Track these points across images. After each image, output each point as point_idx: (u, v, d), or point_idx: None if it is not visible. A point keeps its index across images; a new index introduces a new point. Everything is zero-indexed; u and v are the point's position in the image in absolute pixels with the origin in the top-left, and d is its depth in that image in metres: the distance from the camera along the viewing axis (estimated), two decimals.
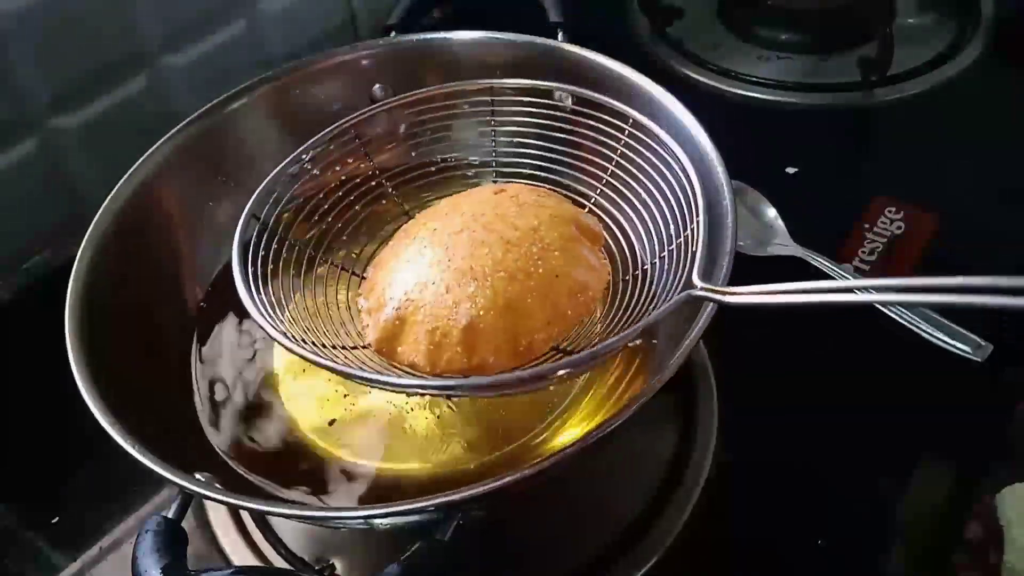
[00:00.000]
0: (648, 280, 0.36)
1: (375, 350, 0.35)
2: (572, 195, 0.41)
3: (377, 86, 0.46)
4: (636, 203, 0.38)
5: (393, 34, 0.50)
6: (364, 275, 0.39)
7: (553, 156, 0.41)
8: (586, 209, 0.40)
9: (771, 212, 0.51)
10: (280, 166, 0.39)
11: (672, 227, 0.36)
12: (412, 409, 0.38)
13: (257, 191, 0.38)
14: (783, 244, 0.50)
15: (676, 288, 0.32)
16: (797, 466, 0.41)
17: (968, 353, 0.43)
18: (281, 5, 0.59)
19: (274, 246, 0.37)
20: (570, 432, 0.36)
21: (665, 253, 0.36)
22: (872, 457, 0.41)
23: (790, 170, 0.56)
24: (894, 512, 0.39)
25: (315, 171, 0.40)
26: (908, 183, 0.54)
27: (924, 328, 0.44)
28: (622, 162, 0.39)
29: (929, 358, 0.44)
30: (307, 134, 0.41)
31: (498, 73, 0.42)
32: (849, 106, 0.60)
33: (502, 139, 0.43)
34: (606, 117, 0.39)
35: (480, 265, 0.34)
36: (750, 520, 0.39)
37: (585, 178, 0.41)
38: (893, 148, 0.58)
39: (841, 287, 0.28)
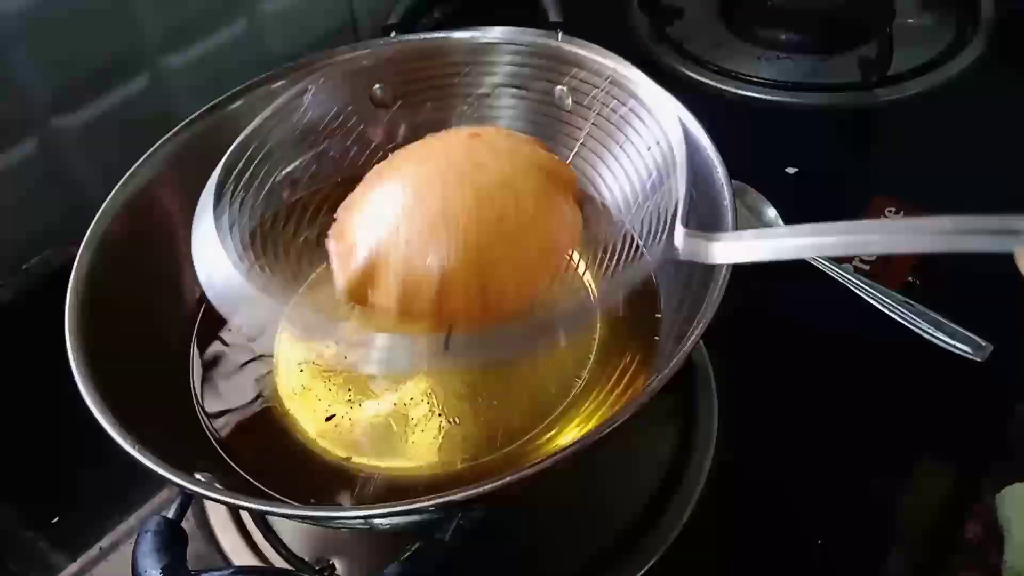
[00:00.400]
0: (631, 239, 0.36)
1: (345, 292, 0.34)
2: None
3: (377, 86, 0.46)
4: (615, 158, 0.38)
5: (393, 34, 0.50)
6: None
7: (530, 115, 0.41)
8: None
9: (771, 212, 0.51)
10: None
11: (651, 183, 0.36)
12: (413, 409, 0.38)
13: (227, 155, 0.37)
14: None
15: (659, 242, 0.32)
16: (797, 466, 0.41)
17: (968, 353, 0.43)
18: (281, 5, 0.59)
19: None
20: (570, 432, 0.36)
21: (649, 204, 0.36)
22: (872, 457, 0.41)
23: (790, 170, 0.56)
24: (894, 512, 0.39)
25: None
26: (908, 183, 0.54)
27: (924, 328, 0.44)
28: (601, 117, 0.39)
29: (929, 358, 0.44)
30: (307, 134, 0.41)
31: (498, 73, 0.42)
32: (849, 106, 0.60)
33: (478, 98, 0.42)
34: (584, 73, 0.39)
35: (453, 214, 0.33)
36: (750, 520, 0.39)
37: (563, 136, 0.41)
38: (893, 148, 0.58)
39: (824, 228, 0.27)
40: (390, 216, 0.34)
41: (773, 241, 0.27)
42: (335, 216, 0.38)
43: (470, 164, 0.35)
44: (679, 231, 0.30)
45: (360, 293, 0.34)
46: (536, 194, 0.34)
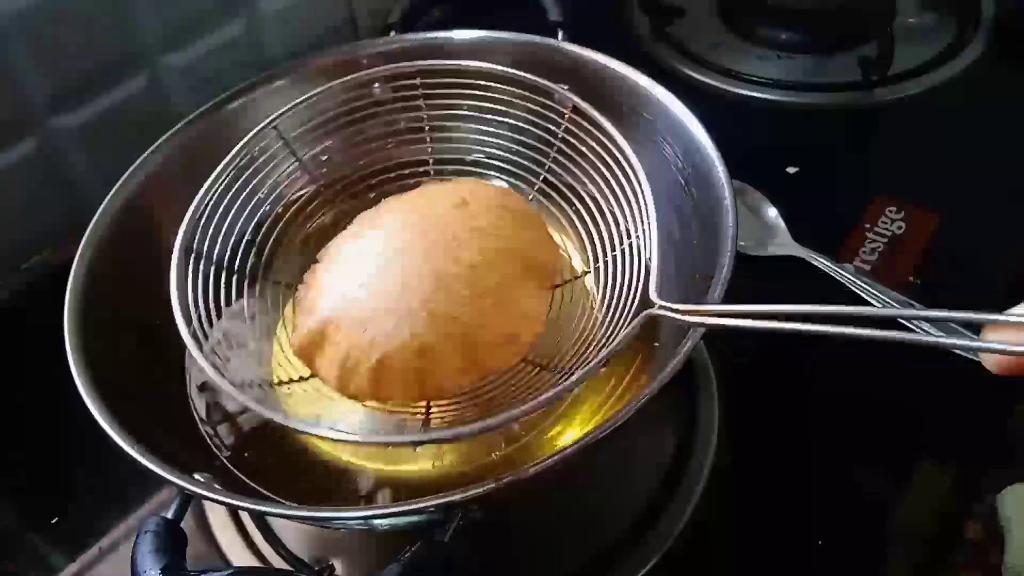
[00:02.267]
0: (601, 280, 0.36)
1: (294, 349, 0.35)
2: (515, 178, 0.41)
3: (377, 86, 0.46)
4: (582, 195, 0.38)
5: (393, 33, 0.50)
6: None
7: (491, 142, 0.41)
8: (530, 197, 0.40)
9: (771, 212, 0.51)
10: (201, 193, 0.38)
11: (623, 225, 0.35)
12: (414, 409, 0.38)
13: (184, 224, 0.37)
14: (783, 244, 0.50)
15: (632, 302, 0.32)
16: (797, 466, 0.41)
17: (968, 353, 0.43)
18: (281, 4, 0.59)
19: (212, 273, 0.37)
20: (570, 432, 0.36)
21: (617, 252, 0.36)
22: (872, 457, 0.41)
23: (790, 170, 0.56)
24: (894, 512, 0.39)
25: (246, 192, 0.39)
26: (909, 183, 0.54)
27: (924, 328, 0.44)
28: (564, 148, 0.39)
29: (929, 358, 0.44)
30: (307, 134, 0.41)
31: (496, 74, 0.42)
32: (850, 106, 0.60)
33: (435, 123, 0.42)
34: (543, 100, 0.39)
35: (407, 299, 0.33)
36: (750, 520, 0.39)
37: (527, 164, 0.41)
38: (894, 148, 0.58)
39: (805, 312, 0.25)
40: (349, 287, 0.35)
41: (742, 318, 0.26)
42: (317, 257, 0.38)
43: (442, 241, 0.35)
44: (654, 300, 0.29)
45: (308, 355, 0.35)
46: (501, 286, 0.34)
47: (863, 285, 0.47)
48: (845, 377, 0.44)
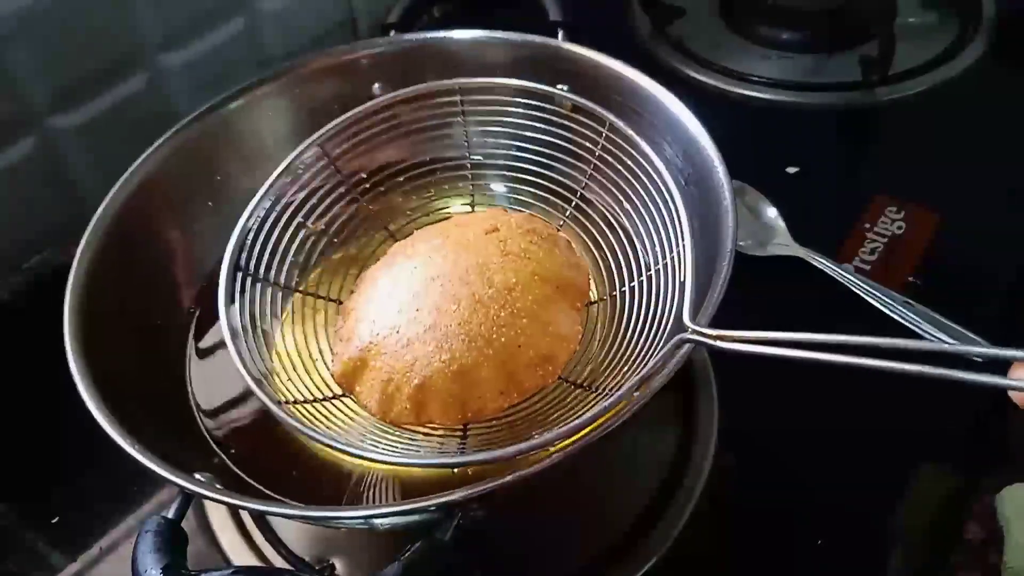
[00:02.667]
0: (634, 299, 0.36)
1: (335, 376, 0.36)
2: (549, 202, 0.41)
3: (377, 85, 0.46)
4: (618, 214, 0.38)
5: (393, 33, 0.50)
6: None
7: (529, 157, 0.41)
8: (561, 224, 0.41)
9: (771, 212, 0.51)
10: (251, 207, 0.38)
11: (657, 246, 0.36)
12: None
13: (233, 238, 0.38)
14: (783, 244, 0.50)
15: (665, 323, 0.33)
16: (797, 466, 0.41)
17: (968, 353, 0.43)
18: (280, 4, 0.59)
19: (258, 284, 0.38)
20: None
21: (652, 272, 0.36)
22: (872, 457, 0.41)
23: (790, 170, 0.56)
24: (894, 512, 0.39)
25: (290, 200, 0.40)
26: (909, 183, 0.54)
27: (924, 328, 0.44)
28: (601, 166, 0.39)
29: (929, 359, 0.44)
30: (307, 134, 0.41)
31: (498, 72, 0.42)
32: (850, 106, 0.60)
33: (475, 139, 0.43)
34: (582, 119, 0.39)
35: (445, 323, 0.34)
36: (750, 520, 0.39)
37: (564, 180, 0.41)
38: (894, 148, 0.58)
39: (838, 342, 0.27)
40: (387, 314, 0.35)
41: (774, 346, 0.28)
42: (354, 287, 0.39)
43: (475, 266, 0.35)
44: (688, 324, 0.30)
45: (348, 382, 0.36)
46: (535, 307, 0.35)
47: (863, 285, 0.47)
48: (845, 377, 0.44)
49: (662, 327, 0.33)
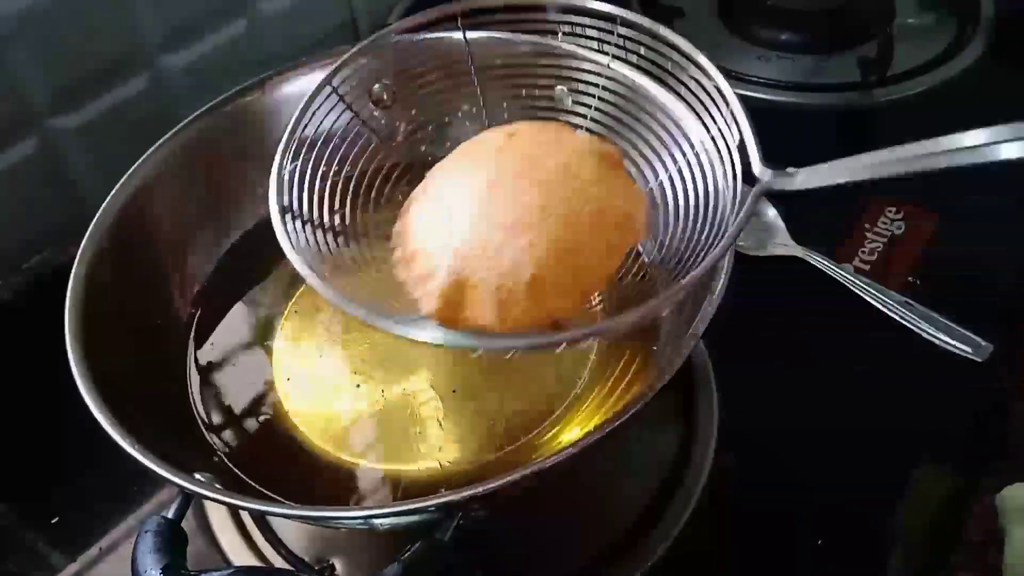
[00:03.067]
0: (681, 190, 0.36)
1: (437, 320, 0.33)
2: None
3: (377, 85, 0.46)
4: (644, 110, 0.38)
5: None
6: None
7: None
8: (583, 128, 0.39)
9: (771, 212, 0.51)
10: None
11: (694, 130, 0.35)
12: (413, 409, 0.38)
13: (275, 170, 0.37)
14: (783, 244, 0.50)
15: (733, 188, 0.32)
16: (797, 466, 0.41)
17: (968, 353, 0.43)
18: (281, 5, 0.59)
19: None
20: (570, 432, 0.36)
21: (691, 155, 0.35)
22: (872, 457, 0.41)
23: (790, 170, 0.55)
24: (894, 512, 0.39)
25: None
26: (908, 183, 0.53)
27: (925, 328, 0.44)
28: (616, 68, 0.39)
29: (929, 358, 0.44)
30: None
31: (498, 72, 0.42)
32: (849, 106, 0.60)
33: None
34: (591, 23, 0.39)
35: (527, 214, 0.33)
36: (750, 520, 0.39)
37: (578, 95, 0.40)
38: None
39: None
40: (462, 232, 0.33)
41: (846, 165, 0.31)
42: (389, 240, 0.37)
43: (525, 162, 0.35)
44: (761, 174, 0.31)
45: (452, 314, 0.33)
46: (596, 173, 0.34)
47: (862, 285, 0.47)
48: (845, 377, 0.44)
49: (731, 192, 0.33)
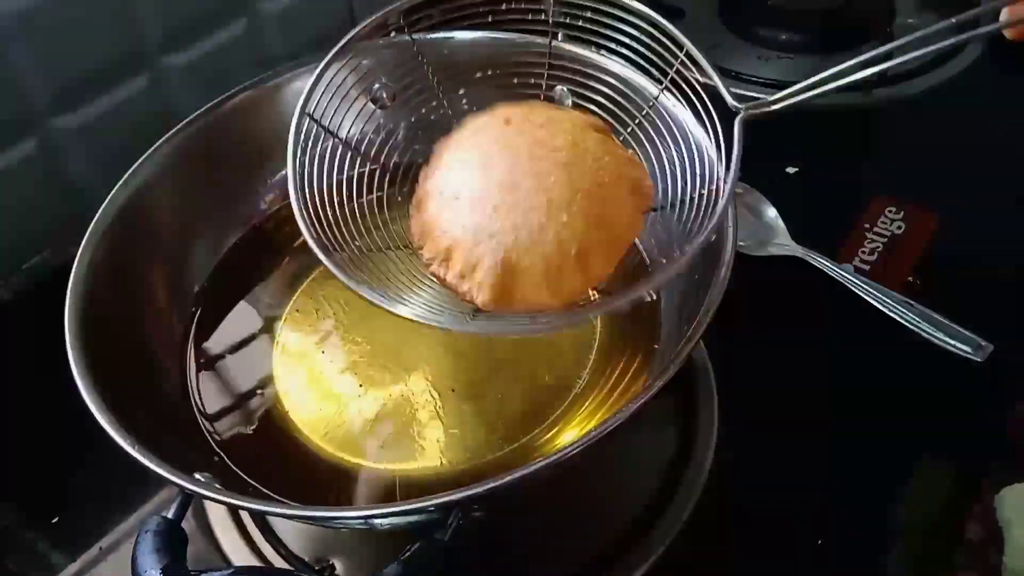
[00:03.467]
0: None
1: (492, 306, 0.34)
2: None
3: (377, 85, 0.46)
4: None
5: (393, 34, 0.50)
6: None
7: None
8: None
9: (771, 212, 0.51)
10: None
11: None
12: (413, 409, 0.38)
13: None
14: (783, 244, 0.50)
15: (711, 126, 0.35)
16: (796, 466, 0.41)
17: (968, 353, 0.43)
18: (281, 5, 0.59)
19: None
20: (570, 432, 0.37)
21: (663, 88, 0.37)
22: (872, 457, 0.41)
23: (790, 170, 0.56)
24: (894, 512, 0.39)
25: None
26: (908, 183, 0.54)
27: (925, 328, 0.44)
28: None
29: (929, 358, 0.44)
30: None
31: (498, 71, 0.42)
32: (849, 106, 0.60)
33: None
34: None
35: (557, 193, 0.34)
36: (750, 520, 0.39)
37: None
38: (893, 148, 0.58)
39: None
40: (496, 221, 0.34)
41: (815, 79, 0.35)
42: (413, 239, 0.37)
43: (538, 144, 0.36)
44: (736, 106, 0.33)
45: (506, 300, 0.34)
46: (600, 146, 0.36)
47: (862, 285, 0.47)
48: (844, 377, 0.44)
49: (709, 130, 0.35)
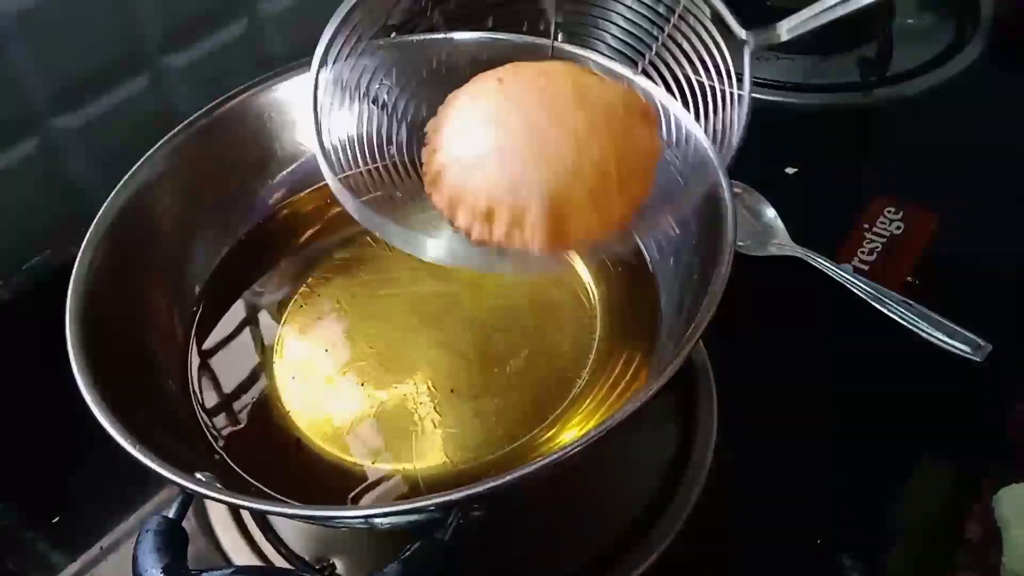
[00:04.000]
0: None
1: (549, 248, 0.35)
2: None
3: (377, 85, 0.46)
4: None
5: (394, 34, 0.50)
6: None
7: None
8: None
9: (771, 212, 0.51)
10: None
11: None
12: (413, 409, 0.38)
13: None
14: (783, 244, 0.50)
15: (719, 60, 0.36)
16: (796, 466, 0.41)
17: (968, 353, 0.43)
18: (281, 5, 0.59)
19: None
20: (570, 432, 0.37)
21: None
22: (872, 457, 0.41)
23: (790, 170, 0.56)
24: (894, 512, 0.39)
25: None
26: (908, 183, 0.54)
27: (924, 328, 0.44)
28: None
29: (928, 358, 0.44)
30: (308, 133, 0.41)
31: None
32: (849, 106, 0.60)
33: None
34: None
35: (583, 134, 0.34)
36: (750, 520, 0.39)
37: None
38: (893, 148, 0.58)
39: None
40: (534, 168, 0.34)
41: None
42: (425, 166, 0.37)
43: (543, 95, 0.36)
44: (745, 36, 0.35)
45: (562, 240, 0.34)
46: (603, 89, 0.36)
47: (861, 285, 0.47)
48: (844, 377, 0.44)
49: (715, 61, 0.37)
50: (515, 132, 0.35)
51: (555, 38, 0.46)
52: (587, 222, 0.34)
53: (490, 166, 0.35)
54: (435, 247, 0.34)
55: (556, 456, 0.28)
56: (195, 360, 0.41)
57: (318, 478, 0.36)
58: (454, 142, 0.37)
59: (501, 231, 0.35)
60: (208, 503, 0.41)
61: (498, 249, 0.34)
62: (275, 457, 0.37)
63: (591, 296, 0.41)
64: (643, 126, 0.36)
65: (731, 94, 0.36)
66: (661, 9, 0.39)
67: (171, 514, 0.30)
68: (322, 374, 0.40)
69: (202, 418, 0.38)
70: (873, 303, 0.46)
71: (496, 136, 0.35)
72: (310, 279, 0.44)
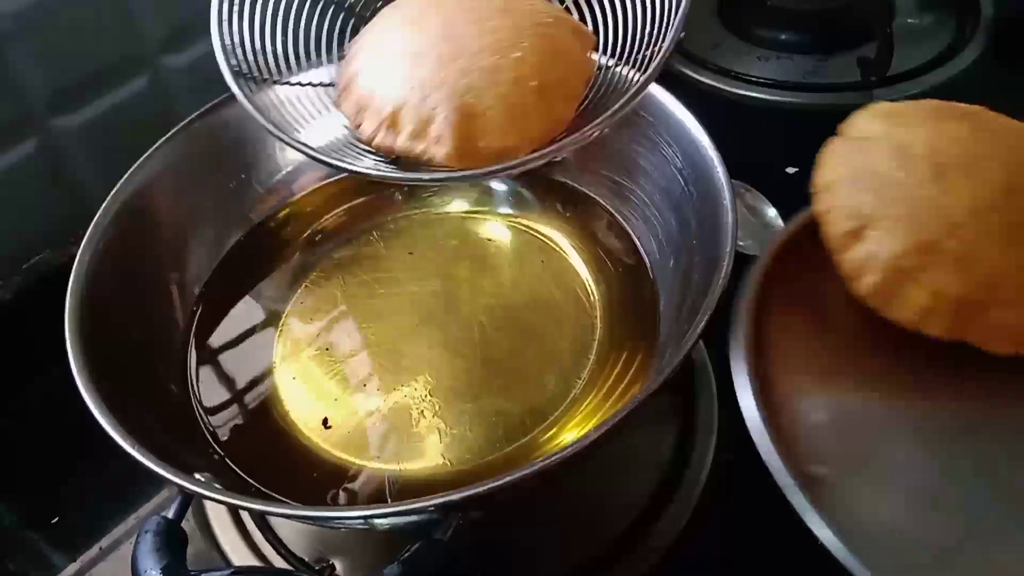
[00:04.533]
0: None
1: (456, 159, 0.32)
2: None
3: None
4: None
5: None
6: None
7: None
8: None
9: (771, 212, 0.51)
10: None
11: None
12: (413, 409, 0.38)
13: None
14: None
15: None
16: None
17: None
18: None
19: None
20: (570, 432, 0.37)
21: None
22: None
23: (790, 170, 0.56)
24: None
25: None
26: None
27: None
28: None
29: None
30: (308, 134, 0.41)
31: None
32: (849, 106, 0.60)
33: None
34: None
35: (503, 35, 0.32)
36: (750, 520, 0.39)
37: None
38: None
39: None
40: (445, 69, 0.32)
41: None
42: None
43: (467, 8, 0.34)
44: None
45: (471, 147, 0.32)
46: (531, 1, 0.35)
47: None
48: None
49: None
50: (433, 34, 0.32)
51: None
52: (501, 133, 0.31)
53: (401, 68, 0.32)
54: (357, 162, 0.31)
55: (556, 457, 0.28)
56: (195, 360, 0.41)
57: (317, 478, 0.36)
58: (370, 47, 0.35)
59: (405, 138, 0.32)
60: (207, 503, 0.41)
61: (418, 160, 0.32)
62: (275, 457, 0.37)
63: (591, 296, 0.41)
64: (574, 40, 0.33)
65: None
66: None
67: (170, 514, 0.30)
68: (322, 374, 0.40)
69: (202, 418, 0.38)
70: None
71: (413, 38, 0.33)
72: (310, 279, 0.44)
